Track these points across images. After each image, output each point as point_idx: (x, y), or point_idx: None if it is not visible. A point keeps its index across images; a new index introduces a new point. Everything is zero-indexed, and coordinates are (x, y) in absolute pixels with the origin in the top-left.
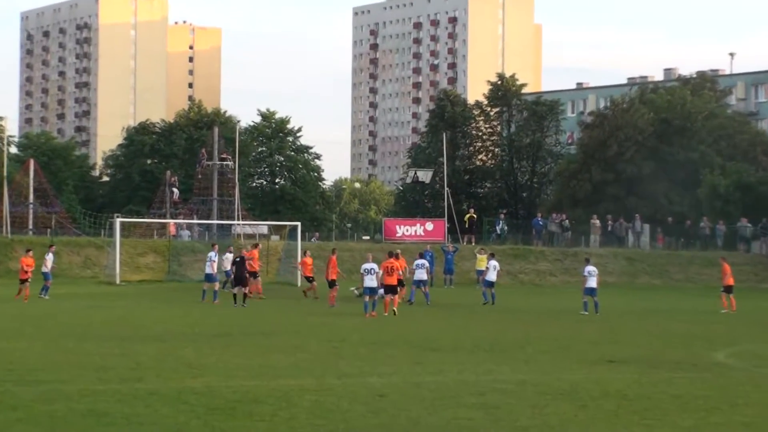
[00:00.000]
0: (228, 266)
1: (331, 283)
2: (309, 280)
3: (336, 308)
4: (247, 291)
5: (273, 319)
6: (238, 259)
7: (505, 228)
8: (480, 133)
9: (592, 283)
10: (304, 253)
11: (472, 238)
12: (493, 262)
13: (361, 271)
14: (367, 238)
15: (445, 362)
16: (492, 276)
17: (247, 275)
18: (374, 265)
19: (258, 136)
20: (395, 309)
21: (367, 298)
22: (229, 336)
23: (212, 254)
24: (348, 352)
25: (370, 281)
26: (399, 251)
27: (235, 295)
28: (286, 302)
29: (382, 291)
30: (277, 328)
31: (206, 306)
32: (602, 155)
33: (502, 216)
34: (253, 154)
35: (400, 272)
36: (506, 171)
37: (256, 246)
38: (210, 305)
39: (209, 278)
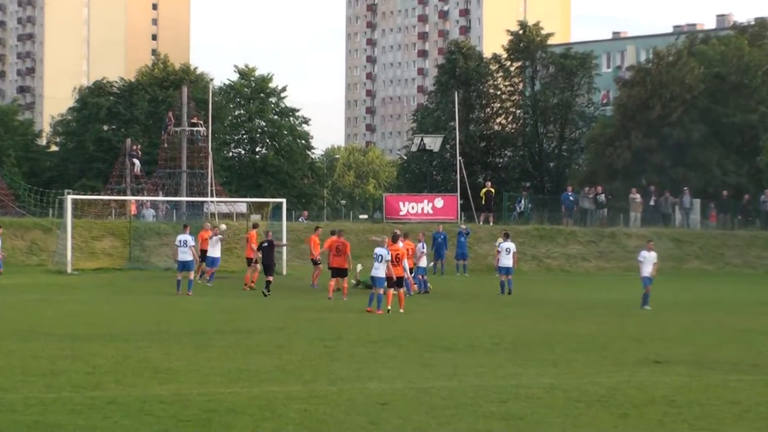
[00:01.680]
0: (215, 253)
1: (336, 272)
2: (315, 263)
3: (333, 301)
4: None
5: (255, 314)
6: (266, 244)
7: (529, 205)
8: (498, 93)
9: (645, 270)
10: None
11: (490, 217)
12: (507, 244)
13: (374, 256)
14: (365, 217)
15: (459, 364)
16: (506, 260)
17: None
18: (384, 251)
19: (235, 96)
20: (401, 307)
21: (372, 291)
22: (202, 334)
23: (185, 237)
24: (343, 353)
25: (376, 270)
26: (398, 231)
27: (268, 282)
28: (272, 294)
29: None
30: (260, 325)
31: (180, 299)
32: (644, 118)
33: (525, 191)
34: (230, 118)
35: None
36: (530, 137)
37: (316, 230)
38: (184, 297)
39: (186, 266)
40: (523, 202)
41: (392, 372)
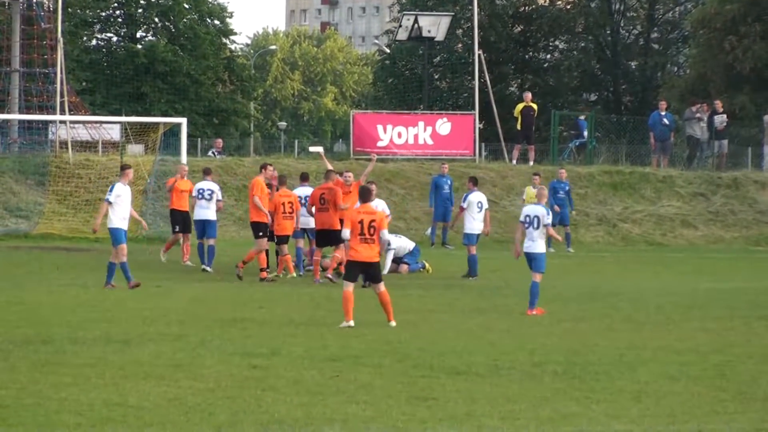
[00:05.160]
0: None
1: (322, 238)
2: (258, 231)
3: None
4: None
5: (136, 312)
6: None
7: (596, 132)
8: None
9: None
10: (326, 177)
11: (530, 151)
12: (477, 195)
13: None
14: (319, 149)
15: (478, 398)
16: (473, 224)
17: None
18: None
19: None
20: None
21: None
22: (47, 345)
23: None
24: (282, 379)
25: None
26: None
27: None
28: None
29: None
30: (143, 330)
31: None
32: None
33: (588, 109)
34: None
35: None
36: (597, 18)
37: (263, 170)
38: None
39: None
40: (585, 126)
41: (366, 411)
